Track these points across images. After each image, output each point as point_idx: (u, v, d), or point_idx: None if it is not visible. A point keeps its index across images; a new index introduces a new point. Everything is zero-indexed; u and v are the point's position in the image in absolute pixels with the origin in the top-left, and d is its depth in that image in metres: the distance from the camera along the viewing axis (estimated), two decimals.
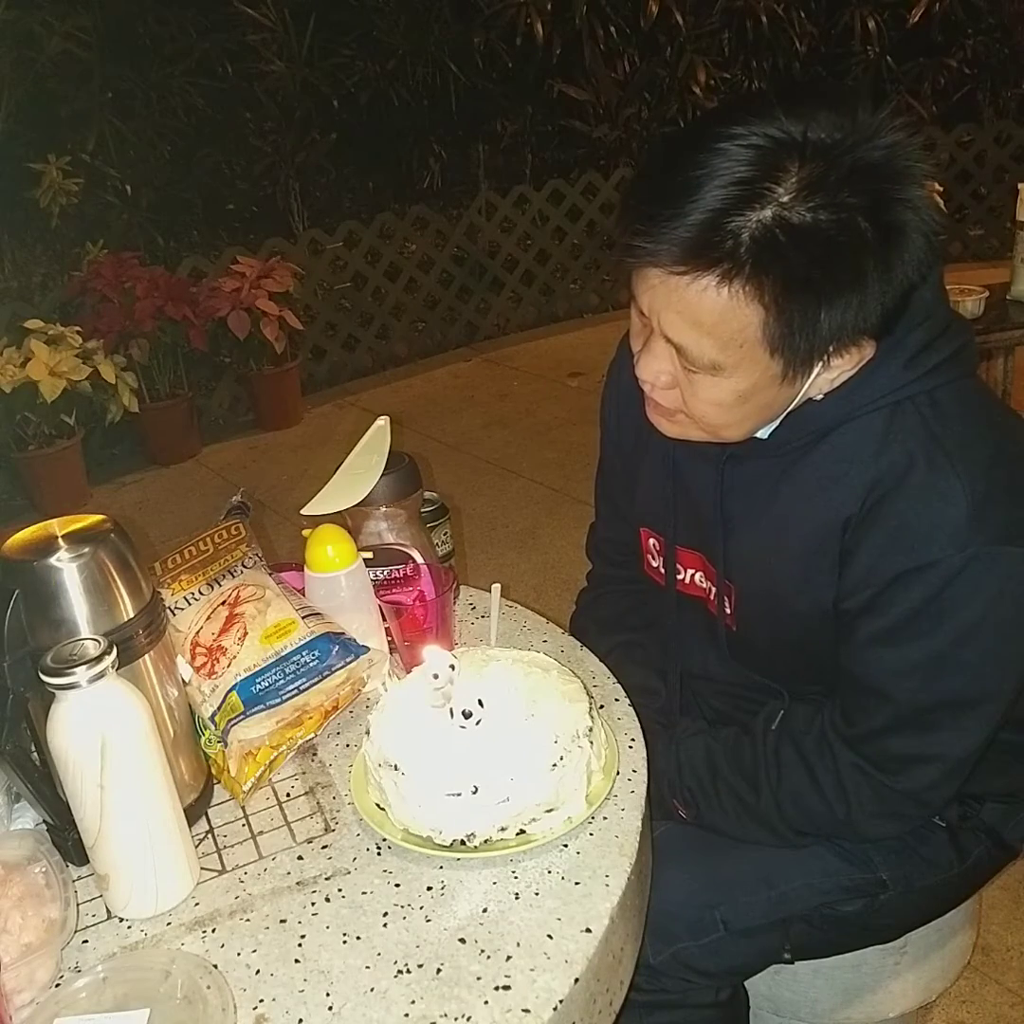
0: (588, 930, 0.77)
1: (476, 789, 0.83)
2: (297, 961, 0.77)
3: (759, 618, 1.03)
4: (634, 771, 0.93)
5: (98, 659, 0.76)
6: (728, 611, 1.05)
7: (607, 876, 0.82)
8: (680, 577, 1.11)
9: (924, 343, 0.91)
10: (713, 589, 1.07)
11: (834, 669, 0.98)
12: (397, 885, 0.83)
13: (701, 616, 1.10)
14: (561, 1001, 0.72)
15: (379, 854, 0.87)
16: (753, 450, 0.97)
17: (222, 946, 0.80)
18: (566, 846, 0.85)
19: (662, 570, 1.13)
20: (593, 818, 0.87)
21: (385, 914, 0.81)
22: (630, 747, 0.96)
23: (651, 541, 1.14)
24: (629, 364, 0.96)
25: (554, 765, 0.85)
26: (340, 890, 0.84)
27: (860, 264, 0.80)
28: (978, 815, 1.09)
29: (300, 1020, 0.72)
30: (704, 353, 0.84)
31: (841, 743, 0.97)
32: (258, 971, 0.77)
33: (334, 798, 0.95)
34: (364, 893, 0.83)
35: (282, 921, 0.81)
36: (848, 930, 1.10)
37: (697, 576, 1.09)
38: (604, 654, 1.12)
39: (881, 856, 1.06)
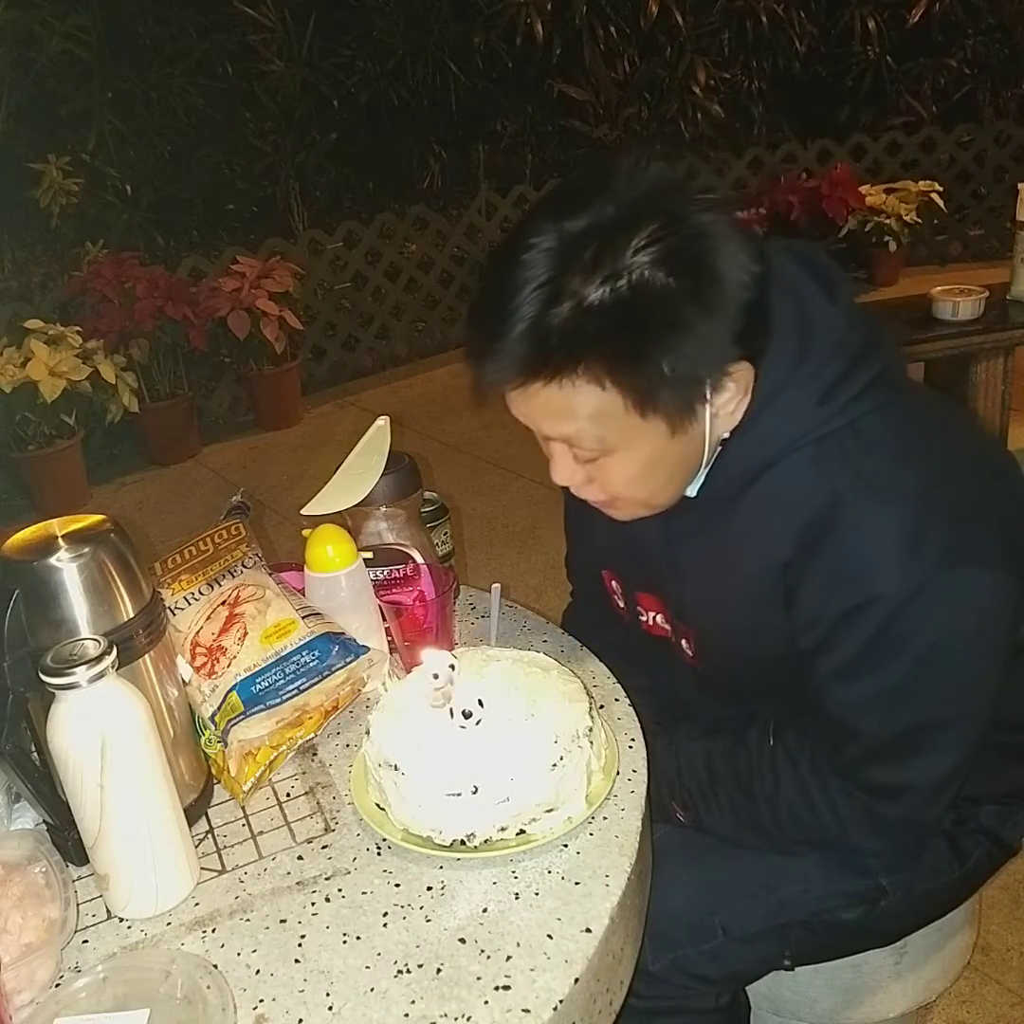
0: (588, 930, 0.77)
1: (476, 789, 0.83)
2: (297, 961, 0.77)
3: (720, 658, 1.03)
4: (634, 771, 0.93)
5: (98, 659, 0.76)
6: (690, 653, 1.05)
7: (607, 876, 0.82)
8: (643, 619, 1.11)
9: (837, 376, 0.89)
10: (676, 630, 1.07)
11: (801, 699, 0.97)
12: (397, 885, 0.83)
13: (668, 654, 1.09)
14: (561, 1001, 0.72)
15: (379, 854, 0.87)
16: (688, 505, 0.97)
17: (222, 946, 0.80)
18: (566, 846, 0.85)
19: (626, 610, 1.13)
20: (593, 818, 0.87)
21: (385, 914, 0.81)
22: (630, 747, 0.96)
23: (613, 583, 1.14)
24: None
25: (554, 765, 0.85)
26: (340, 890, 0.84)
27: (674, 311, 0.81)
28: (976, 818, 1.08)
29: (300, 1020, 0.72)
30: (586, 439, 0.86)
31: (830, 770, 0.97)
32: (258, 971, 0.77)
33: (334, 798, 0.95)
34: (364, 893, 0.83)
35: (282, 921, 0.81)
36: (848, 936, 1.10)
37: (658, 618, 1.09)
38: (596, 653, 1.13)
39: (880, 862, 1.05)
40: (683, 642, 1.06)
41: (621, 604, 1.14)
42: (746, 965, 1.10)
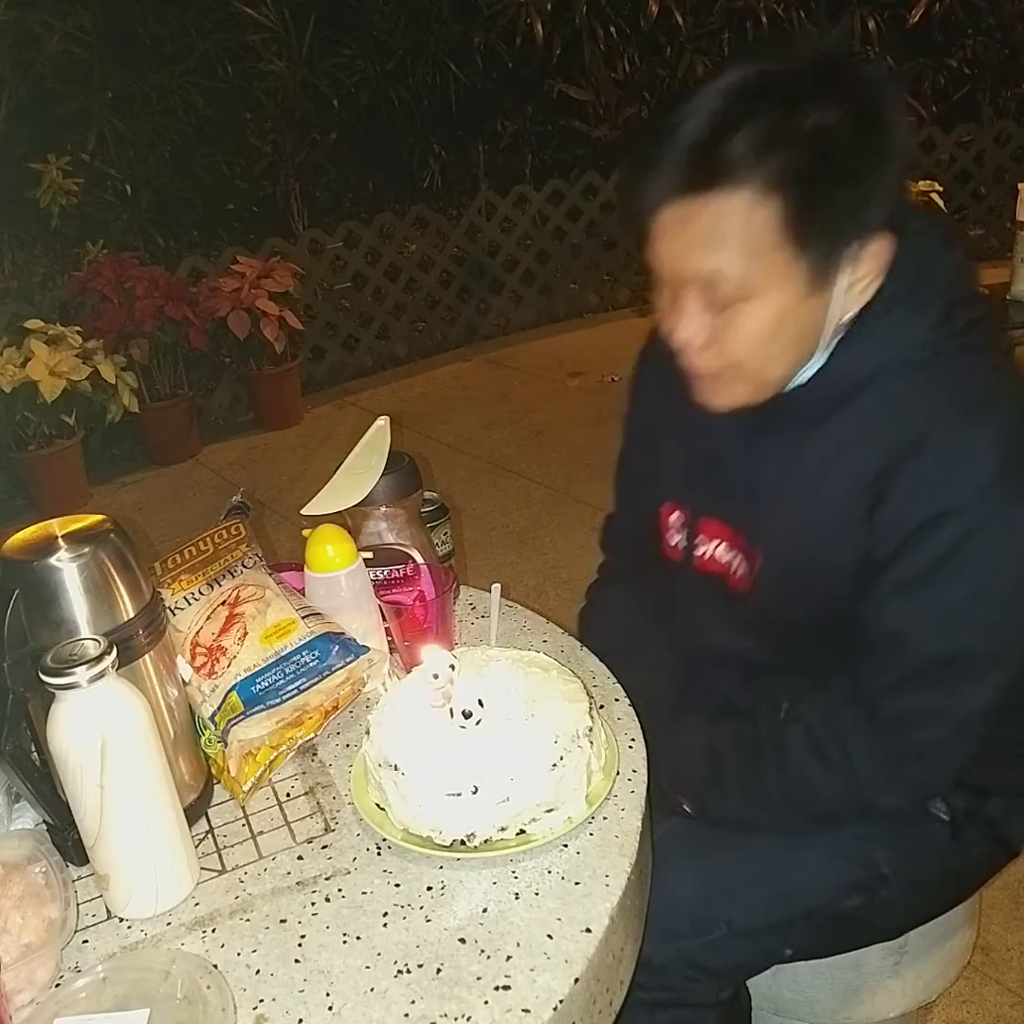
0: (588, 930, 0.77)
1: (476, 789, 0.83)
2: (297, 961, 0.77)
3: (783, 582, 1.04)
4: (634, 771, 0.93)
5: (98, 659, 0.76)
6: (751, 579, 1.06)
7: (607, 876, 0.82)
8: (700, 553, 1.11)
9: (951, 304, 0.95)
10: (737, 558, 1.08)
11: (847, 641, 0.99)
12: (397, 885, 0.83)
13: (719, 592, 1.10)
14: (561, 1001, 0.72)
15: (379, 854, 0.87)
16: (783, 412, 0.99)
17: (222, 946, 0.80)
18: (566, 846, 0.85)
19: (681, 546, 1.13)
20: (593, 818, 0.87)
21: (385, 914, 0.81)
22: (630, 747, 0.96)
23: (673, 516, 1.14)
24: (660, 351, 1.01)
25: (554, 765, 0.85)
26: (340, 890, 0.84)
27: (848, 152, 0.86)
28: (982, 810, 1.08)
29: (300, 1020, 0.72)
30: (733, 273, 0.88)
31: (849, 710, 0.99)
32: (258, 971, 0.77)
33: (334, 798, 0.95)
34: (364, 893, 0.83)
35: (282, 921, 0.81)
36: (850, 927, 1.10)
37: (719, 549, 1.10)
38: (610, 651, 1.13)
39: (883, 852, 1.06)
40: (740, 572, 1.07)
41: (674, 541, 1.14)
42: (749, 957, 1.10)
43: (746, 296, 0.89)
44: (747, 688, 1.11)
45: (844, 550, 0.97)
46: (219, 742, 0.96)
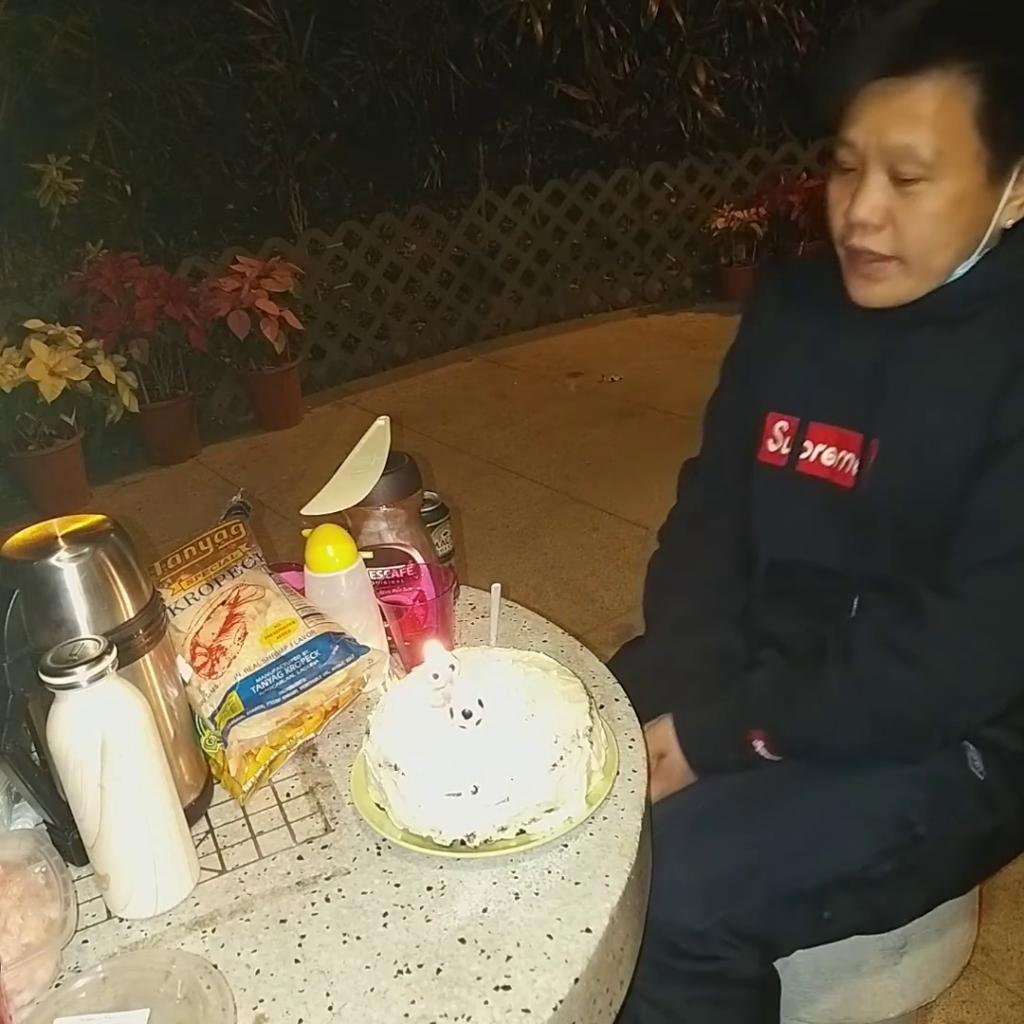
0: (588, 930, 0.77)
1: (476, 789, 0.83)
2: (297, 961, 0.77)
3: (900, 473, 1.08)
4: (634, 771, 0.93)
5: (98, 659, 0.76)
6: (864, 472, 1.10)
7: (607, 876, 0.82)
8: (804, 456, 1.16)
9: None
10: (846, 457, 1.12)
11: (944, 545, 1.03)
12: (397, 885, 0.83)
13: (818, 496, 1.15)
14: (561, 1001, 0.72)
15: (379, 854, 0.87)
16: (920, 315, 1.06)
17: (222, 946, 0.80)
18: (566, 846, 0.85)
19: (785, 451, 1.18)
20: (593, 818, 0.87)
21: (385, 914, 0.81)
22: (630, 747, 0.96)
23: (778, 424, 1.19)
24: (778, 281, 1.21)
25: (554, 765, 0.85)
26: (340, 890, 0.84)
27: None
28: (1019, 768, 1.10)
29: (300, 1020, 0.72)
30: (926, 147, 0.96)
31: (932, 590, 1.02)
32: (258, 971, 0.77)
33: (334, 798, 0.95)
34: (364, 893, 0.83)
35: (282, 921, 0.81)
36: (883, 894, 1.10)
37: (826, 453, 1.14)
38: (687, 610, 1.21)
39: (917, 813, 1.07)
40: (849, 470, 1.11)
41: (776, 447, 1.19)
42: (788, 924, 1.10)
43: (930, 176, 0.97)
44: (830, 601, 1.15)
45: (964, 445, 1.02)
46: (219, 742, 0.96)
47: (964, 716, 1.06)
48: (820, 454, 1.15)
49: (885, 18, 0.99)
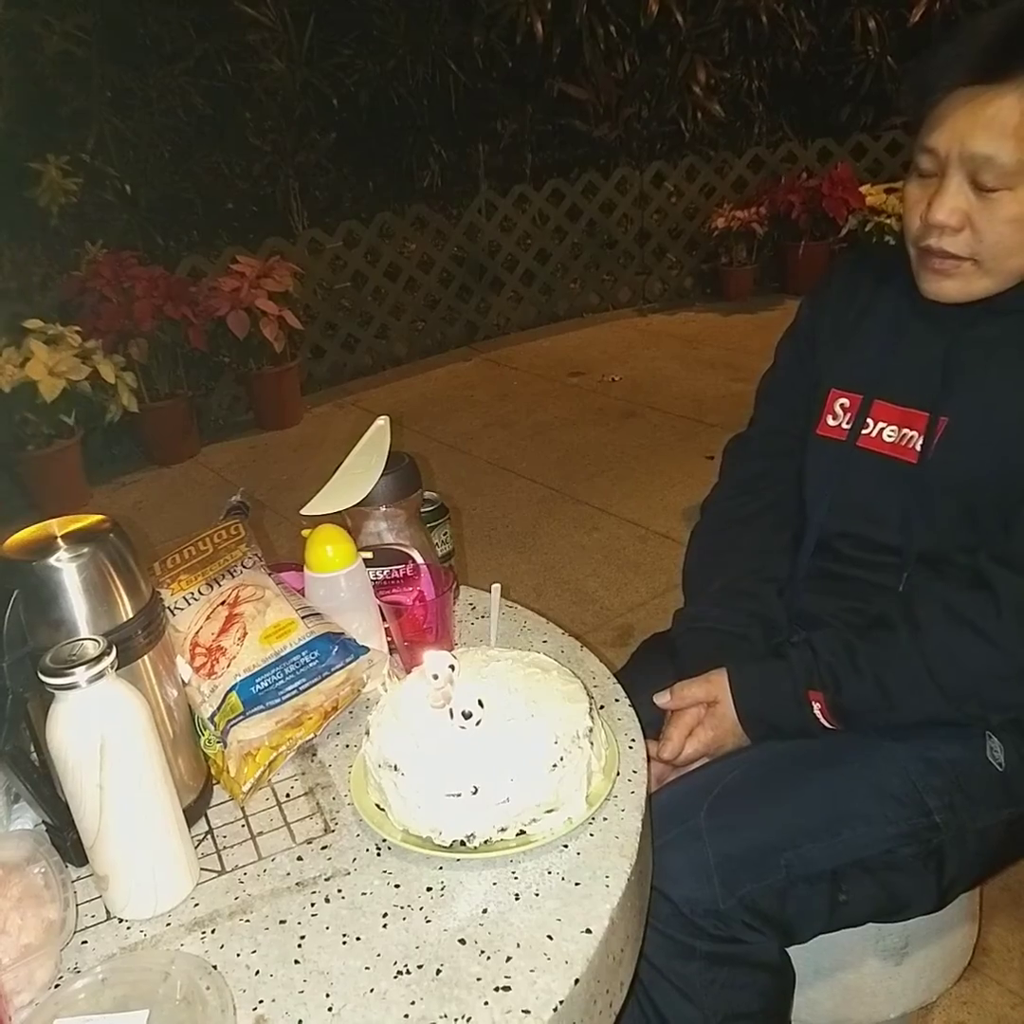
0: (588, 931, 0.77)
1: (476, 789, 0.83)
2: (297, 962, 0.77)
3: (964, 450, 1.10)
4: (634, 771, 0.93)
5: (97, 659, 0.76)
6: (929, 447, 1.11)
7: (607, 877, 0.82)
8: (865, 432, 1.19)
9: None
10: (909, 434, 1.14)
11: (1003, 522, 1.05)
12: (397, 886, 0.83)
13: (876, 470, 1.17)
14: (561, 1002, 0.72)
15: (379, 855, 0.87)
16: (993, 308, 1.07)
17: (222, 947, 0.80)
18: (566, 847, 0.85)
19: (845, 426, 1.20)
20: (593, 819, 0.87)
21: (385, 915, 0.81)
22: (630, 747, 0.96)
23: (840, 401, 1.22)
24: (850, 269, 1.24)
25: (554, 766, 0.85)
26: (340, 891, 0.84)
27: None
28: None
29: (300, 1021, 0.72)
30: (1005, 161, 0.97)
31: (998, 565, 1.04)
32: (258, 972, 0.77)
33: (334, 799, 0.95)
34: (364, 894, 0.83)
35: (282, 922, 0.81)
36: (902, 879, 1.10)
37: (887, 430, 1.17)
38: (736, 574, 1.23)
39: (936, 800, 1.08)
40: (913, 446, 1.13)
41: (835, 422, 1.22)
42: (806, 904, 1.10)
43: (1011, 185, 0.98)
44: (872, 571, 1.17)
45: None
46: (218, 742, 0.96)
47: None
48: (881, 431, 1.17)
49: (973, 25, 0.99)
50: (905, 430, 1.15)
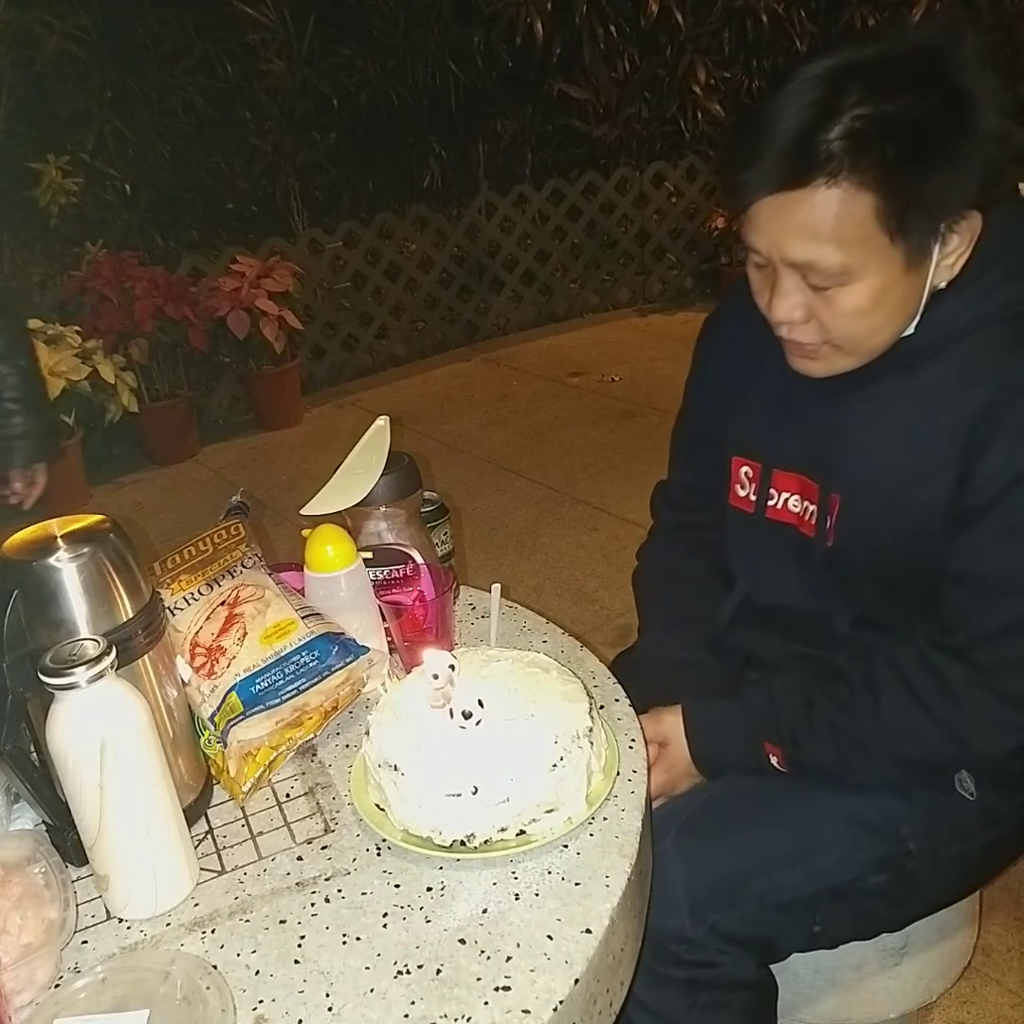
0: (588, 931, 0.77)
1: (476, 789, 0.83)
2: (297, 962, 0.77)
3: (865, 527, 1.05)
4: (634, 771, 0.93)
5: (97, 659, 0.76)
6: (829, 526, 1.07)
7: (607, 877, 0.82)
8: (771, 502, 1.14)
9: None
10: (810, 508, 1.09)
11: (925, 591, 1.00)
12: (397, 886, 0.83)
13: (789, 542, 1.12)
14: (561, 1002, 0.72)
15: (379, 855, 0.87)
16: (874, 366, 1.01)
17: (222, 947, 0.80)
18: (566, 847, 0.85)
19: (753, 497, 1.16)
20: (593, 819, 0.87)
21: (385, 915, 0.81)
22: (630, 747, 0.96)
23: (743, 470, 1.17)
24: (737, 308, 1.07)
25: (554, 765, 0.85)
26: (340, 891, 0.84)
27: (943, 135, 0.88)
28: (1016, 782, 1.09)
29: (300, 1021, 0.72)
30: (831, 261, 0.91)
31: (945, 656, 0.99)
32: (258, 972, 0.77)
33: (334, 799, 0.95)
34: (364, 894, 0.83)
35: (282, 922, 0.81)
36: (877, 905, 1.10)
37: (791, 500, 1.12)
38: (676, 612, 1.19)
39: (908, 827, 1.07)
40: (826, 515, 1.07)
41: (744, 493, 1.16)
42: (780, 931, 1.10)
43: (844, 281, 0.92)
44: (809, 640, 1.13)
45: (931, 493, 0.98)
46: (218, 742, 0.96)
47: (986, 763, 1.06)
48: (786, 501, 1.12)
49: (767, 120, 0.90)
50: (807, 503, 1.10)
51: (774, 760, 1.08)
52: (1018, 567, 0.95)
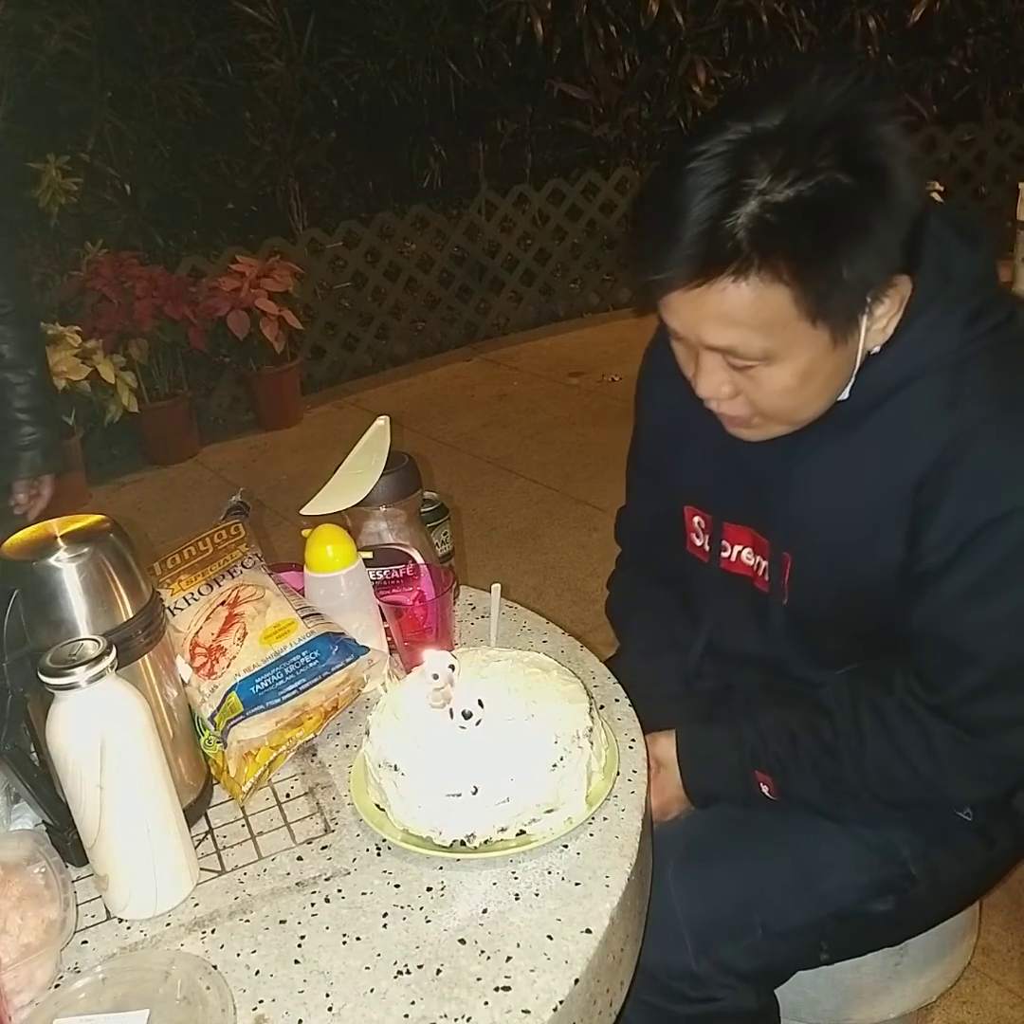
0: (588, 931, 0.77)
1: (476, 789, 0.83)
2: (297, 962, 0.77)
3: (818, 585, 1.02)
4: (634, 771, 0.93)
5: (97, 659, 0.76)
6: (783, 582, 1.04)
7: (607, 877, 0.82)
8: (725, 554, 1.11)
9: (980, 305, 0.93)
10: (762, 563, 1.07)
11: (892, 641, 0.98)
12: (397, 886, 0.83)
13: (746, 594, 1.09)
14: (561, 1002, 0.72)
15: (379, 855, 0.87)
16: (816, 421, 0.96)
17: (222, 947, 0.80)
18: (566, 847, 0.85)
19: (707, 547, 1.12)
20: (593, 819, 0.87)
21: (385, 915, 0.81)
22: (630, 747, 0.96)
23: (696, 519, 1.13)
24: (669, 348, 0.98)
25: (554, 765, 0.85)
26: (340, 891, 0.84)
27: (857, 214, 0.82)
28: (1008, 803, 1.08)
29: (300, 1021, 0.72)
30: (752, 346, 0.87)
31: (927, 712, 0.97)
32: (258, 972, 0.77)
33: (334, 799, 0.95)
34: (364, 894, 0.83)
35: (282, 922, 0.81)
36: (881, 927, 1.10)
37: (744, 553, 1.09)
38: (648, 641, 1.16)
39: (909, 850, 1.06)
40: (778, 571, 1.05)
41: (699, 543, 1.13)
42: (785, 960, 1.10)
43: (768, 362, 0.88)
44: (774, 686, 1.10)
45: (882, 554, 0.96)
46: (218, 742, 0.96)
47: (969, 805, 1.05)
48: (740, 553, 1.09)
49: (673, 211, 0.83)
50: (759, 558, 1.07)
51: (765, 789, 1.06)
52: (983, 628, 0.92)
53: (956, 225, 0.95)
